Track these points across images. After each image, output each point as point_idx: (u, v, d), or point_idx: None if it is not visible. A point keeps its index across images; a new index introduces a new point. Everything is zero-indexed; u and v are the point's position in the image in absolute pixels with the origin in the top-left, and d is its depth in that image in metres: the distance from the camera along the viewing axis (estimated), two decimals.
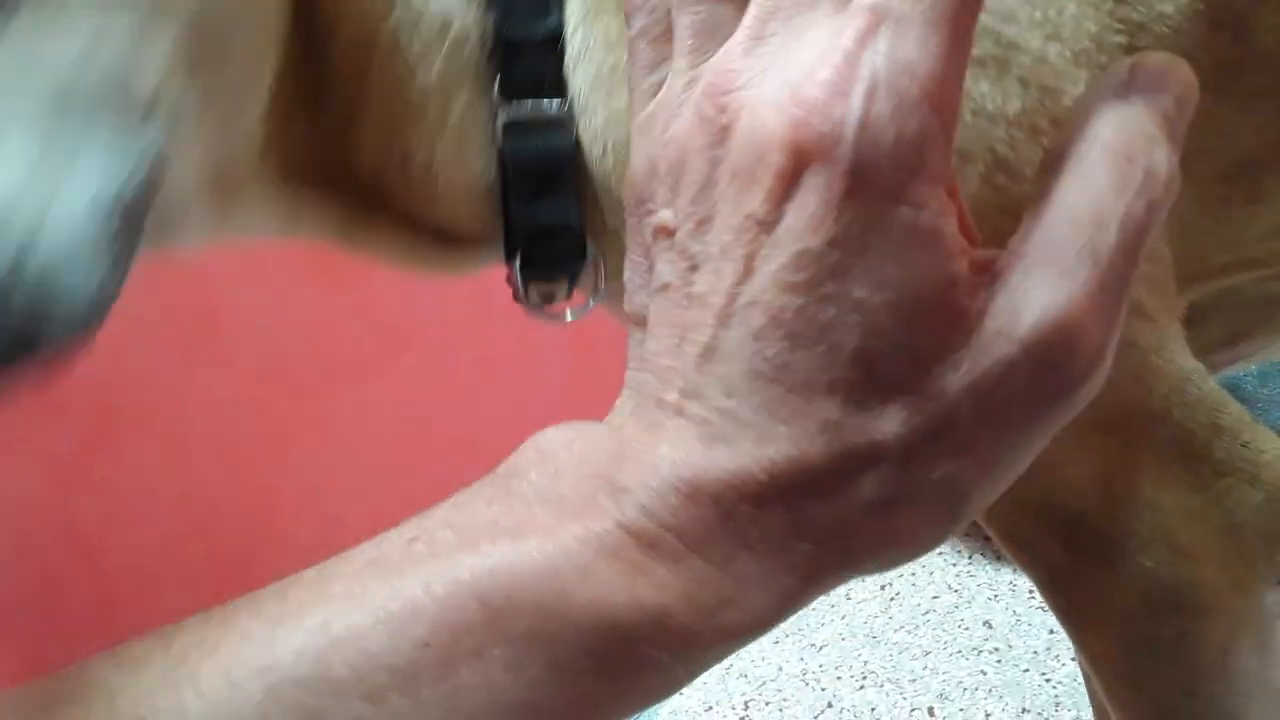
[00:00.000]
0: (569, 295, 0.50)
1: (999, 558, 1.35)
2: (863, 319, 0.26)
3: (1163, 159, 0.27)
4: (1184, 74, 0.28)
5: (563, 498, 0.29)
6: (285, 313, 1.15)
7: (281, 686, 0.27)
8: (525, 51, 0.44)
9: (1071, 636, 0.44)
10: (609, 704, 0.28)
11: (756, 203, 0.27)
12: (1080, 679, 1.07)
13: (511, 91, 0.44)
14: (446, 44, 0.45)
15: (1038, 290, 0.26)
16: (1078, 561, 0.41)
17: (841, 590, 1.42)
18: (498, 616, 0.27)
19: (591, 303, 0.50)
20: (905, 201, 0.26)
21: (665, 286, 0.29)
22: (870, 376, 0.27)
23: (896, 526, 0.28)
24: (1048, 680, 1.18)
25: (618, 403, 0.32)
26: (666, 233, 0.29)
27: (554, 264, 0.48)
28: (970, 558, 1.39)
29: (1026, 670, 1.19)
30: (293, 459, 1.16)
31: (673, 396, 0.28)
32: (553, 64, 0.44)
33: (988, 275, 0.27)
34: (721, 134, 0.28)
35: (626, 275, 0.32)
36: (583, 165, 0.45)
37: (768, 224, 0.27)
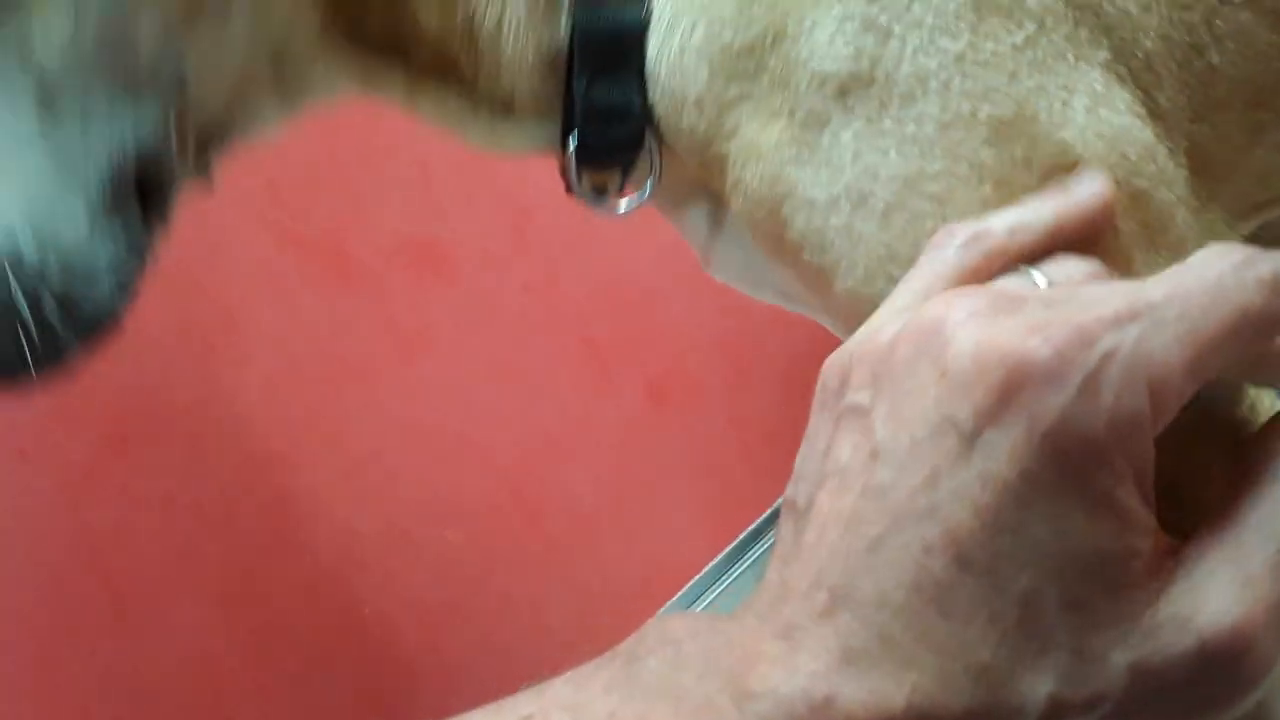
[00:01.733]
0: (621, 188, 0.49)
1: None
2: (1038, 561, 0.26)
3: None
4: None
5: (684, 693, 0.28)
6: (300, 319, 1.16)
7: None
8: None
9: None
10: None
11: (962, 411, 0.27)
12: None
13: None
14: None
15: (1222, 590, 0.27)
16: None
17: None
18: None
19: (647, 190, 0.48)
20: (1104, 465, 0.26)
21: (842, 471, 0.29)
22: (1033, 621, 0.26)
23: None
24: None
25: (753, 596, 0.31)
26: (858, 414, 0.29)
27: (610, 149, 0.46)
28: None
29: None
30: (308, 467, 1.16)
31: (821, 596, 0.28)
32: None
33: (1170, 561, 0.27)
34: (938, 336, 0.28)
35: (800, 460, 0.32)
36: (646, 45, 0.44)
37: (966, 436, 0.27)
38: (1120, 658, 0.26)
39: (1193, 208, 0.41)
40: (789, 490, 0.31)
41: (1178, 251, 0.39)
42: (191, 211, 1.20)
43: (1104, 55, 0.40)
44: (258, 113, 0.47)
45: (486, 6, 0.45)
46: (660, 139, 0.46)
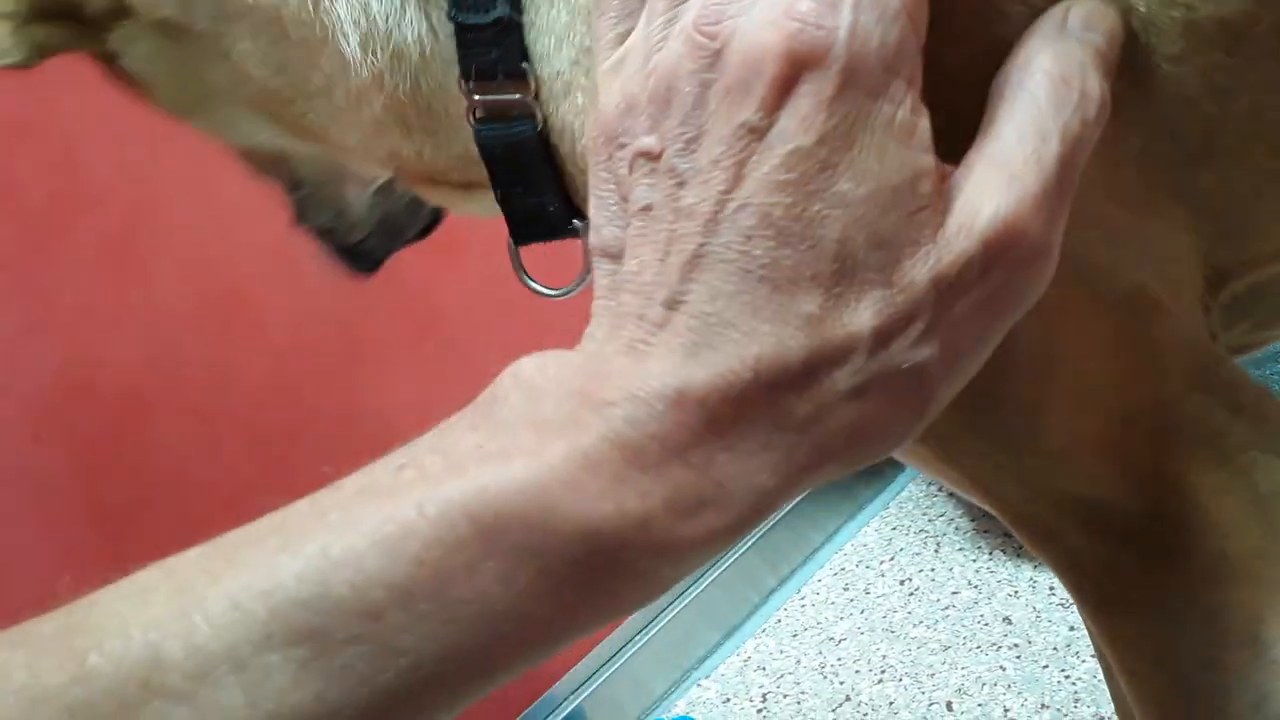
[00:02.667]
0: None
1: (1019, 554, 1.35)
2: (845, 212, 0.29)
3: (1095, 84, 0.31)
4: (1111, 17, 0.32)
5: (545, 419, 0.30)
6: (312, 299, 1.16)
7: (284, 607, 0.28)
8: (478, 38, 0.43)
9: (1091, 619, 0.44)
10: (597, 609, 0.29)
11: (750, 111, 0.29)
12: (1100, 675, 1.07)
13: (473, 78, 0.44)
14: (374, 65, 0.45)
15: (992, 192, 0.30)
16: (1104, 546, 0.41)
17: (861, 585, 1.42)
18: (488, 532, 0.28)
19: (582, 279, 0.51)
20: (887, 99, 0.29)
21: (647, 208, 0.31)
22: (848, 269, 0.29)
23: (868, 417, 0.30)
24: (1067, 676, 1.18)
25: (588, 331, 0.33)
26: (650, 157, 0.31)
27: (545, 239, 0.48)
28: (990, 554, 1.39)
29: (1046, 666, 1.19)
30: (320, 443, 1.17)
31: (656, 311, 0.30)
32: (507, 48, 0.43)
33: (949, 181, 0.30)
34: (714, 57, 0.30)
35: (593, 212, 0.33)
36: (558, 149, 0.44)
37: (761, 130, 0.29)
38: (922, 275, 0.29)
39: (1164, 262, 0.40)
40: (592, 240, 0.34)
41: (1135, 303, 0.38)
42: (205, 192, 1.20)
43: None
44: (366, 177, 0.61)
45: (401, 146, 0.47)
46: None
